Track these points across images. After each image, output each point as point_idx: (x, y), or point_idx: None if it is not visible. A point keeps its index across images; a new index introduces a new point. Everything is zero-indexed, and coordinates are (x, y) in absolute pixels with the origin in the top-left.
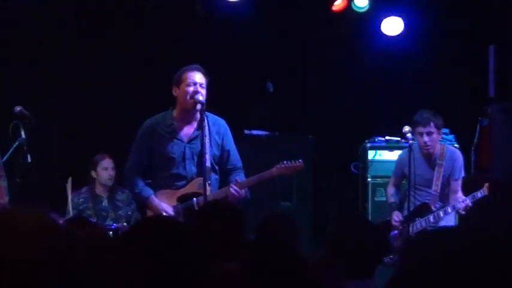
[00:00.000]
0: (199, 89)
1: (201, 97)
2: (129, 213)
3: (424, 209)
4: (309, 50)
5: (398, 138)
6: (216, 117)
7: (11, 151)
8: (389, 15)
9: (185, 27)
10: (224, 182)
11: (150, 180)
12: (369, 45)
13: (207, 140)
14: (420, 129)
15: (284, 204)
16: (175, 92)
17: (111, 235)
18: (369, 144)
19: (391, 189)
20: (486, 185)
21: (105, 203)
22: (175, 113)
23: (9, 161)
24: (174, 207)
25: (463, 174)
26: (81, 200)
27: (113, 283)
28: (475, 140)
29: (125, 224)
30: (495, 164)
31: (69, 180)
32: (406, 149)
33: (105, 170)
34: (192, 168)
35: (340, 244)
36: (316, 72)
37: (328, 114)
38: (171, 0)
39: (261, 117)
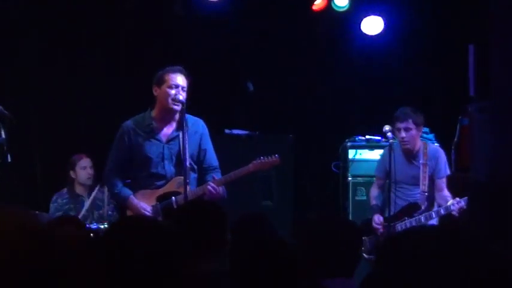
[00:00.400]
0: (180, 92)
1: (181, 97)
2: (110, 212)
3: (413, 209)
4: (289, 49)
5: (379, 138)
6: (194, 117)
7: None
8: (369, 15)
9: (165, 27)
10: (201, 181)
11: (129, 180)
12: (349, 45)
13: (185, 141)
14: (398, 124)
15: (265, 203)
16: (156, 91)
17: (93, 236)
18: (349, 144)
19: (374, 191)
20: None
21: (86, 201)
22: (154, 113)
23: None
24: (153, 206)
25: (448, 172)
26: (64, 201)
27: (92, 282)
28: (455, 139)
29: (106, 224)
30: (475, 163)
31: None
32: (387, 147)
33: (83, 169)
34: (171, 168)
35: (315, 244)
36: (296, 71)
37: (308, 114)
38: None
39: (241, 116)
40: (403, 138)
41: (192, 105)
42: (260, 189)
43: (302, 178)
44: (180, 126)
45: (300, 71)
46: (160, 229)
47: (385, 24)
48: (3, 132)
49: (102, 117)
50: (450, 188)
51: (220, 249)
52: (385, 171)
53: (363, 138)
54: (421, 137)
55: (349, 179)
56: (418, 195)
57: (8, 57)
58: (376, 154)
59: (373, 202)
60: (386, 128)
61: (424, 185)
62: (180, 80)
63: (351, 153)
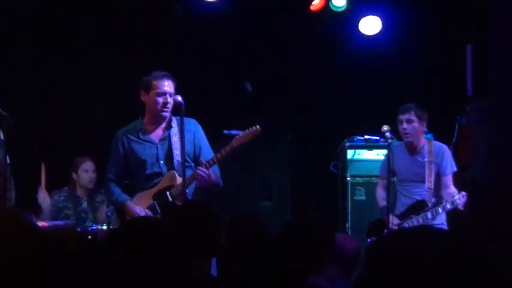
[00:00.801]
0: (168, 99)
1: (179, 97)
2: (109, 214)
3: (420, 206)
4: (287, 50)
5: (377, 137)
6: (185, 118)
7: None
8: (367, 15)
9: (163, 28)
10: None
11: (127, 182)
12: (347, 45)
13: (176, 139)
14: (400, 116)
15: (263, 203)
16: (144, 97)
17: (91, 237)
18: (347, 144)
19: (381, 192)
20: None
21: (84, 204)
22: (144, 118)
23: None
24: (150, 206)
25: (454, 168)
26: (61, 198)
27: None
28: (454, 139)
29: (104, 225)
30: (474, 162)
31: (42, 166)
32: (394, 145)
33: (85, 172)
34: (166, 167)
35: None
36: (294, 71)
37: (307, 114)
38: (149, 0)
39: (240, 116)
40: (404, 129)
41: (191, 105)
42: (259, 190)
43: (301, 178)
44: (169, 126)
45: (298, 71)
46: (164, 230)
47: (382, 24)
48: (1, 134)
49: (105, 120)
50: (456, 185)
51: (215, 250)
52: (390, 170)
53: (362, 138)
54: None
55: (348, 179)
56: (425, 192)
57: (8, 58)
58: (374, 154)
59: (383, 203)
60: (385, 128)
61: (430, 182)
62: (167, 86)
63: (350, 153)
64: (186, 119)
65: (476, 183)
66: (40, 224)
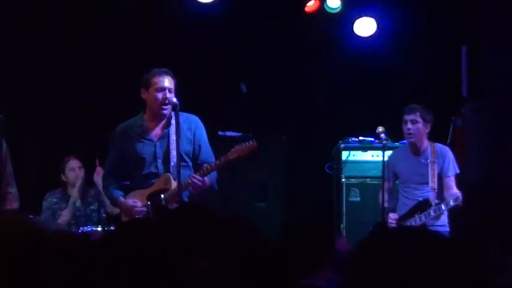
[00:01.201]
0: (167, 94)
1: (174, 99)
2: (103, 215)
3: (424, 206)
4: (282, 51)
5: (372, 139)
6: (187, 114)
7: None
8: (361, 16)
9: (158, 29)
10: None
11: (127, 182)
12: (342, 46)
13: (175, 138)
14: (405, 116)
15: (258, 205)
16: (144, 94)
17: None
18: (342, 145)
19: (384, 195)
20: None
21: (78, 203)
22: (145, 115)
23: None
24: (145, 205)
25: (457, 170)
26: (54, 199)
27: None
28: (448, 140)
29: (99, 227)
30: (469, 164)
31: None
32: (394, 150)
33: (72, 171)
34: (163, 166)
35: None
36: (289, 73)
37: (301, 115)
38: (142, 1)
39: (235, 118)
40: (408, 129)
41: (186, 107)
42: (253, 191)
43: (295, 179)
44: (169, 124)
45: (293, 73)
46: (161, 231)
47: (377, 25)
48: None
49: (96, 119)
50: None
51: (211, 250)
52: (393, 173)
53: (356, 139)
54: None
55: (343, 180)
56: (428, 193)
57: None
58: (369, 155)
59: (385, 205)
60: (380, 129)
61: (433, 182)
62: (167, 82)
63: (344, 155)
64: (185, 116)
65: (472, 184)
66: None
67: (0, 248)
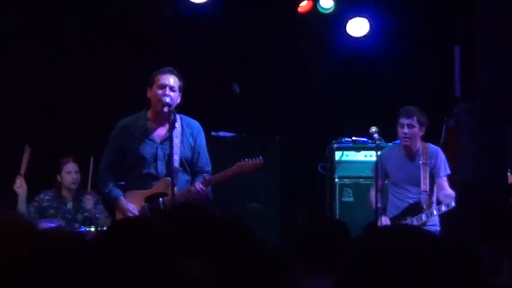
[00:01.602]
0: (168, 91)
1: (168, 99)
2: (97, 215)
3: (415, 209)
4: (275, 51)
5: (365, 139)
6: (190, 119)
7: None
8: (354, 17)
9: (151, 29)
10: (193, 182)
11: (123, 182)
12: (335, 46)
13: (178, 142)
14: (402, 120)
15: (251, 205)
16: (149, 93)
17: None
18: (335, 145)
19: (374, 194)
20: None
21: (69, 205)
22: (149, 114)
23: None
24: (141, 207)
25: (448, 171)
26: (46, 197)
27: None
28: (441, 141)
29: (92, 227)
30: (461, 164)
31: (27, 147)
32: (385, 148)
33: (68, 174)
34: (163, 169)
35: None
36: (282, 73)
37: (294, 115)
38: (137, 2)
39: (228, 118)
40: (405, 134)
41: (179, 107)
42: (247, 191)
43: (289, 180)
44: (173, 127)
45: (286, 73)
46: (155, 231)
47: (370, 25)
48: None
49: (90, 120)
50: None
51: (208, 252)
52: (383, 172)
53: (350, 139)
54: None
55: (336, 180)
56: (419, 195)
57: None
58: (362, 155)
59: (378, 205)
60: (373, 129)
61: (425, 185)
62: (169, 79)
63: (338, 155)
64: (189, 120)
65: (465, 185)
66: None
67: None
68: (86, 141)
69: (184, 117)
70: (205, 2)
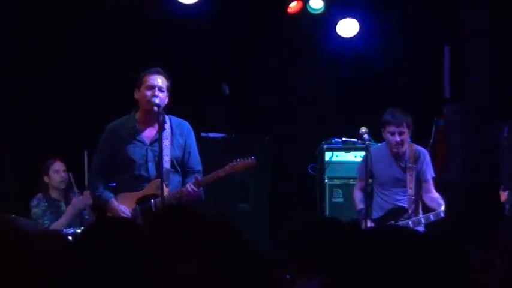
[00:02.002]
0: (157, 92)
1: (158, 100)
2: (86, 217)
3: (399, 212)
4: (265, 52)
5: (355, 139)
6: (179, 119)
7: None
8: (344, 17)
9: (141, 31)
10: (185, 183)
11: (113, 184)
12: (325, 47)
13: (167, 143)
14: (393, 128)
15: (241, 206)
16: (137, 94)
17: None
18: (325, 146)
19: (358, 194)
20: None
21: (63, 207)
22: (137, 115)
23: None
24: (133, 209)
25: (433, 174)
26: (41, 202)
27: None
28: (431, 141)
29: (81, 229)
30: (451, 164)
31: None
32: (372, 148)
33: (56, 173)
34: (154, 170)
35: (299, 243)
36: (272, 73)
37: (284, 116)
38: (125, 2)
39: (218, 119)
40: (397, 142)
41: (168, 108)
42: (237, 192)
43: (279, 180)
44: (163, 128)
45: (275, 74)
46: (135, 231)
47: (360, 26)
48: None
49: (77, 121)
50: (437, 189)
51: (198, 253)
52: (370, 172)
53: (339, 140)
54: None
55: (326, 181)
56: (405, 198)
57: None
58: (352, 156)
59: (360, 206)
60: (363, 129)
61: (411, 189)
62: (157, 80)
63: (327, 155)
64: (179, 121)
65: (455, 185)
66: None
67: None
68: (74, 144)
69: (174, 117)
70: (195, 3)
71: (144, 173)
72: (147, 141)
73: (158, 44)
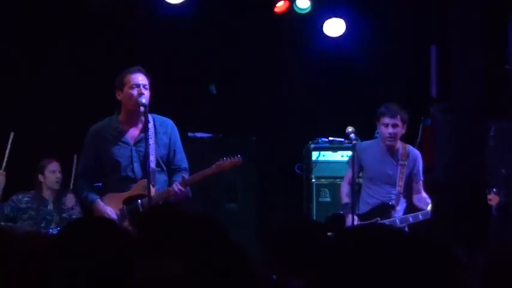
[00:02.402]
0: (142, 90)
1: (144, 100)
2: (73, 216)
3: (386, 209)
4: (252, 51)
5: (342, 139)
6: (162, 117)
7: None
8: (331, 17)
9: (127, 29)
10: (170, 182)
11: (99, 184)
12: (311, 47)
13: (152, 142)
14: (387, 120)
15: (228, 206)
16: (119, 95)
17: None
18: (312, 145)
19: (345, 188)
20: None
21: (50, 206)
22: (120, 116)
23: None
24: (120, 210)
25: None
26: (25, 198)
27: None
28: (418, 140)
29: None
30: (437, 164)
31: (11, 134)
32: (363, 142)
33: (52, 173)
34: (140, 171)
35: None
36: (259, 73)
37: (271, 116)
38: (112, 2)
39: (204, 119)
40: (390, 134)
41: (155, 108)
42: (224, 192)
43: (266, 180)
44: (146, 128)
45: (262, 73)
46: (112, 230)
47: (346, 26)
48: None
49: (67, 121)
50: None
51: (184, 253)
52: (359, 165)
53: (326, 139)
54: None
55: (313, 180)
56: (393, 195)
57: None
58: (339, 155)
59: (346, 200)
60: (349, 129)
61: (400, 186)
62: (141, 78)
63: (314, 155)
64: (162, 119)
65: (439, 185)
66: None
67: None
68: (68, 143)
69: (157, 116)
70: (181, 2)
71: (130, 173)
72: (131, 142)
73: (145, 43)
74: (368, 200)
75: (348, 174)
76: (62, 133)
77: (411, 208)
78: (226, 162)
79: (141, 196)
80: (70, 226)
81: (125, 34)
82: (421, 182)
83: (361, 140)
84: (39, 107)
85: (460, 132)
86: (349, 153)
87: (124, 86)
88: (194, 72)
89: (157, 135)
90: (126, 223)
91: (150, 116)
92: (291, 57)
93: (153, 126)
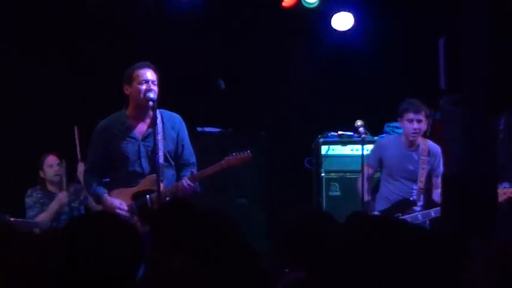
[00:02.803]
0: (151, 86)
1: (153, 94)
2: (75, 212)
3: (407, 205)
4: (260, 46)
5: (351, 133)
6: (170, 113)
7: None
8: (339, 11)
9: (135, 25)
10: (179, 177)
11: (107, 179)
12: (320, 41)
13: (160, 137)
14: (411, 115)
15: (239, 201)
16: (127, 90)
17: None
18: (321, 139)
19: (365, 185)
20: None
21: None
22: (128, 111)
23: None
24: (129, 205)
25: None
26: (39, 195)
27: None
28: (427, 134)
29: None
30: (448, 157)
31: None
32: (384, 138)
33: (50, 167)
34: (147, 166)
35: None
36: (267, 68)
37: (280, 110)
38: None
39: (214, 114)
40: (415, 129)
41: (164, 103)
42: (234, 187)
43: (275, 175)
44: (155, 123)
45: (271, 68)
46: (118, 226)
47: (355, 20)
48: None
49: (73, 117)
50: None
51: (195, 249)
52: (379, 161)
53: (335, 133)
54: (393, 131)
55: (322, 174)
56: (414, 191)
57: None
58: (348, 149)
59: (367, 197)
60: (359, 123)
61: (421, 182)
62: (149, 74)
63: (324, 149)
64: (170, 114)
65: (451, 177)
66: None
67: None
68: (67, 143)
69: (164, 111)
70: None
71: (138, 168)
72: (139, 137)
73: (153, 38)
74: (387, 196)
75: (369, 170)
76: (62, 133)
77: (430, 203)
78: (236, 157)
79: (149, 191)
80: (73, 222)
81: (132, 29)
82: (440, 177)
83: (370, 134)
84: (39, 107)
85: (471, 124)
86: (359, 147)
87: (133, 81)
88: (203, 67)
89: (165, 130)
90: (135, 219)
91: (158, 111)
92: (300, 51)
93: (161, 121)
